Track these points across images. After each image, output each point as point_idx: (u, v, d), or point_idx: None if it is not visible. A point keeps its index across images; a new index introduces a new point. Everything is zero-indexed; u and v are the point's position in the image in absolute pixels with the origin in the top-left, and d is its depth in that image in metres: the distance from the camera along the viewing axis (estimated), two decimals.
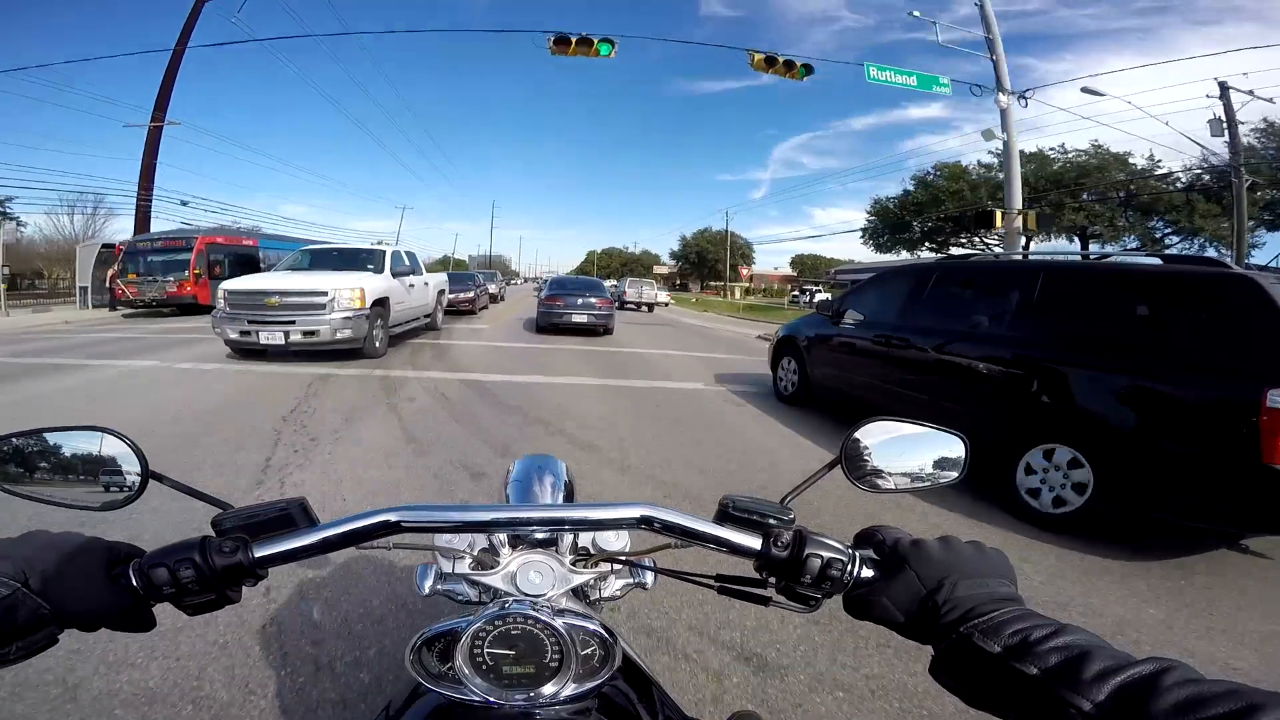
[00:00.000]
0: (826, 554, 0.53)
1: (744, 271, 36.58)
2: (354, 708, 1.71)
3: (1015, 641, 0.43)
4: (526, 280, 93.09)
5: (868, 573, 0.54)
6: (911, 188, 34.47)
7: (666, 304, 33.00)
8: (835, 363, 5.78)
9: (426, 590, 0.70)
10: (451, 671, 0.54)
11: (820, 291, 44.81)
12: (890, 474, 0.65)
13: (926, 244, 34.61)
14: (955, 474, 0.67)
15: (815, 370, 6.08)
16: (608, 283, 25.22)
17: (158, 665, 1.84)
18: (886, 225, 35.91)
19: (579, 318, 12.69)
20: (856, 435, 0.65)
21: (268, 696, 1.75)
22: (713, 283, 71.26)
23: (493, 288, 23.37)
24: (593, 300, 12.92)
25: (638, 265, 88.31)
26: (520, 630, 0.54)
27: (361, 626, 2.09)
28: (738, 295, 54.74)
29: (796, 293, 48.91)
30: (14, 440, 0.57)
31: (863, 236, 37.93)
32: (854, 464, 0.65)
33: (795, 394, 6.43)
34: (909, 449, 0.66)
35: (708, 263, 71.31)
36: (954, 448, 0.67)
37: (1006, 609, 0.46)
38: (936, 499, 3.66)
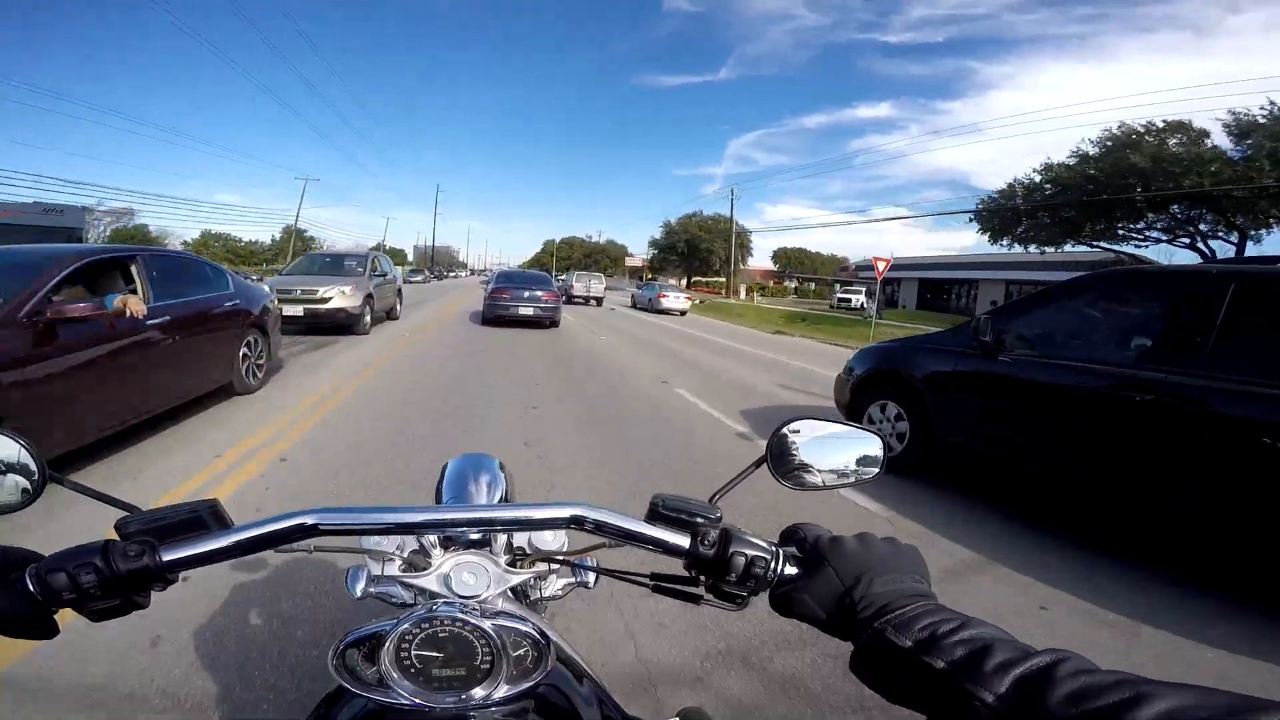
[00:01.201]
0: (750, 552, 0.54)
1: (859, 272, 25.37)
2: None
3: (925, 636, 0.44)
4: (474, 273, 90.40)
5: (791, 570, 0.55)
6: (1093, 151, 23.09)
7: (683, 312, 23.91)
8: (1005, 420, 3.57)
9: (359, 593, 0.69)
10: (377, 675, 0.54)
11: (859, 292, 36.92)
12: (817, 470, 0.68)
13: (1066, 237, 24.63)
14: (875, 470, 0.70)
15: (953, 429, 3.85)
16: (565, 276, 24.30)
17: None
18: (1020, 210, 25.03)
19: (525, 310, 12.92)
20: (784, 432, 0.67)
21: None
22: (700, 278, 61.09)
23: (342, 292, 9.80)
24: (539, 294, 13.16)
25: (603, 256, 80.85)
26: (449, 632, 0.54)
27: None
28: (744, 294, 45.28)
29: (843, 295, 38.24)
30: None
31: (975, 221, 27.97)
32: (780, 461, 0.67)
33: (904, 455, 4.09)
34: (833, 447, 0.68)
35: (700, 253, 60.99)
36: (873, 446, 0.70)
37: (918, 604, 0.48)
38: None
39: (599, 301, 26.63)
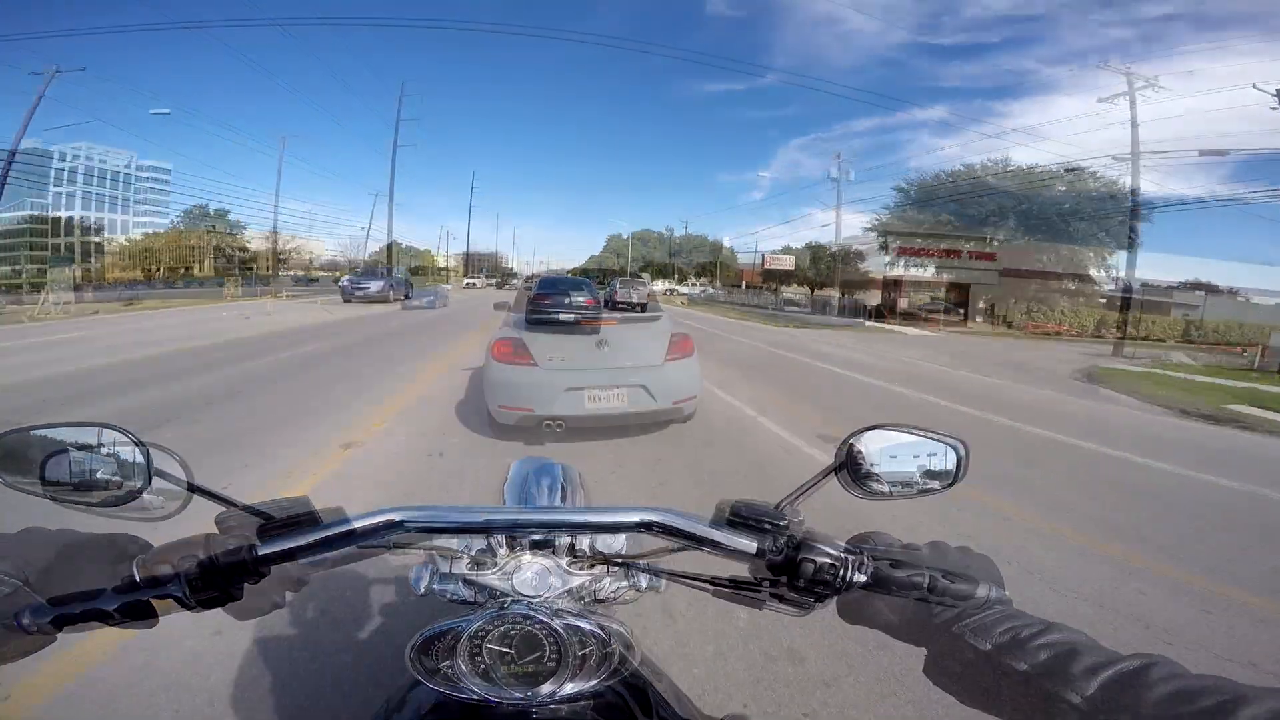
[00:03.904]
0: (821, 558, 0.54)
1: None
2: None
3: (1005, 639, 0.44)
4: (523, 279, 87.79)
5: (861, 577, 0.54)
6: None
7: None
8: None
9: (423, 590, 0.70)
10: (450, 670, 0.55)
11: None
12: (887, 480, 0.66)
13: None
14: (950, 481, 0.68)
15: None
16: (612, 282, 24.64)
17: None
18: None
19: (566, 316, 13.17)
20: (852, 441, 0.66)
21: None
22: (1035, 307, 27.81)
23: None
24: (580, 299, 13.44)
25: (698, 255, 61.22)
26: (519, 630, 0.55)
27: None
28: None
29: None
30: (25, 435, 0.54)
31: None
32: (851, 470, 0.65)
33: None
34: (906, 455, 0.66)
35: (1053, 234, 27.75)
36: (950, 456, 0.67)
37: (995, 609, 0.48)
38: None
39: (643, 307, 26.70)
